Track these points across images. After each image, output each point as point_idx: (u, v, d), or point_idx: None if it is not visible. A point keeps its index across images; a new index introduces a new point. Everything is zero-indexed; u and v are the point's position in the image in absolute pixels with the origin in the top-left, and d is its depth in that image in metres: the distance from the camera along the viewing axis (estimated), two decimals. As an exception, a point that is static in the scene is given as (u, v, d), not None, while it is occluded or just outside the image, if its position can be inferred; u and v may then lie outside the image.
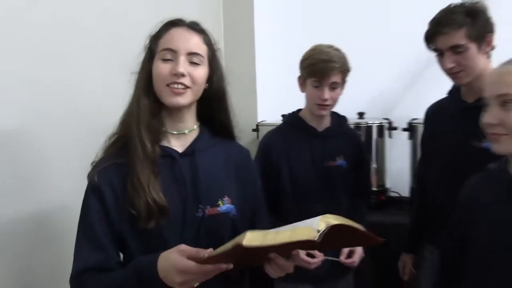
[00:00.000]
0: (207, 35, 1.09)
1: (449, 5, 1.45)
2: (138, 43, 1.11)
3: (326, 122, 1.68)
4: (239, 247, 0.77)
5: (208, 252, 0.87)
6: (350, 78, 2.35)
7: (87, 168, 1.08)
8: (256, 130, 2.37)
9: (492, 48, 1.44)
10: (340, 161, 1.65)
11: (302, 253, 1.52)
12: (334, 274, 1.64)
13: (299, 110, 1.73)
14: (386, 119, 2.37)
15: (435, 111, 1.66)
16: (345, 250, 1.60)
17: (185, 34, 1.04)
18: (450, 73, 1.45)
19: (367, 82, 2.48)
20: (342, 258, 1.59)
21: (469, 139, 1.43)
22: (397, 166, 2.38)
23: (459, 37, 1.38)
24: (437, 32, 1.42)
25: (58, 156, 1.47)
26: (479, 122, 1.29)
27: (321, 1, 2.58)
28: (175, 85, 1.01)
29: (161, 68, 1.01)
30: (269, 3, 2.60)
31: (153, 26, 1.11)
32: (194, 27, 1.07)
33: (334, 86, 1.57)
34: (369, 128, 2.27)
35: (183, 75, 1.00)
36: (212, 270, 0.86)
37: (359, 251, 1.62)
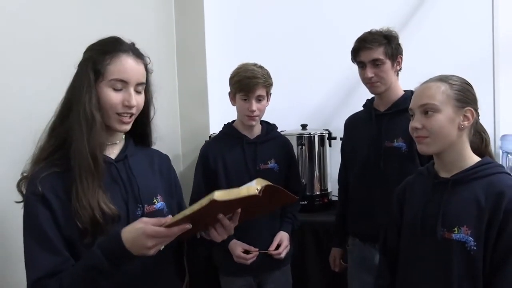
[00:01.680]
0: (146, 59, 1.14)
1: (371, 30, 1.76)
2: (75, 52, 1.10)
3: (257, 130, 1.86)
4: (213, 202, 0.92)
5: (169, 218, 0.97)
6: (294, 94, 2.61)
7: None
8: (209, 141, 2.50)
9: (400, 68, 1.77)
10: (271, 164, 1.83)
11: (239, 251, 1.75)
12: (271, 266, 1.82)
13: (233, 121, 1.90)
14: (326, 129, 2.56)
15: (352, 122, 1.94)
16: (274, 244, 1.79)
17: (135, 64, 1.08)
18: (369, 82, 1.74)
19: (308, 98, 2.73)
20: (271, 249, 1.78)
21: (382, 140, 1.72)
22: (337, 172, 2.60)
23: (379, 53, 1.69)
24: (362, 47, 1.72)
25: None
26: (389, 126, 1.56)
27: (266, 23, 2.76)
28: (125, 115, 1.08)
29: (113, 98, 1.05)
30: (218, 23, 2.75)
31: (90, 38, 1.12)
32: (139, 55, 1.11)
33: (260, 99, 1.76)
34: (311, 138, 2.46)
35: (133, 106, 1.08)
36: (178, 231, 0.95)
37: (284, 244, 1.81)
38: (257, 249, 1.76)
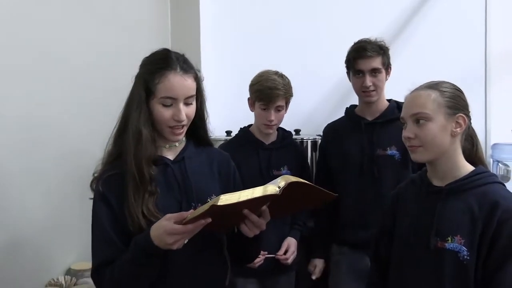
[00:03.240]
0: (195, 70, 1.19)
1: (363, 39, 1.78)
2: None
3: (273, 136, 1.88)
4: (214, 207, 0.93)
5: (190, 213, 1.02)
6: (287, 100, 2.58)
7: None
8: (203, 145, 2.50)
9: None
10: (284, 170, 1.84)
11: None
12: (276, 270, 1.83)
13: (250, 125, 1.90)
14: (319, 135, 2.52)
15: (334, 129, 1.94)
16: (282, 249, 1.80)
17: (182, 80, 1.13)
18: (365, 91, 1.75)
19: (302, 103, 2.71)
20: (279, 253, 1.79)
21: (374, 149, 1.74)
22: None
23: (378, 62, 1.73)
24: (362, 56, 1.73)
25: (21, 171, 1.52)
26: (381, 135, 1.64)
27: (261, 27, 2.76)
28: (176, 128, 1.15)
29: (163, 114, 1.14)
30: (214, 29, 2.75)
31: (139, 55, 1.18)
32: (187, 69, 1.15)
33: (279, 109, 1.78)
34: (304, 143, 2.45)
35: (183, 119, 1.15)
36: (194, 227, 1.00)
37: (291, 250, 1.81)
38: (265, 253, 1.76)
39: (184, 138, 1.25)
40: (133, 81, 1.18)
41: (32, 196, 1.55)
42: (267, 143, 1.85)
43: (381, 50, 1.74)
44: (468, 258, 1.13)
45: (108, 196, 1.13)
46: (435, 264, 1.18)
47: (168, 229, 1.00)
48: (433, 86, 1.23)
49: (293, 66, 2.69)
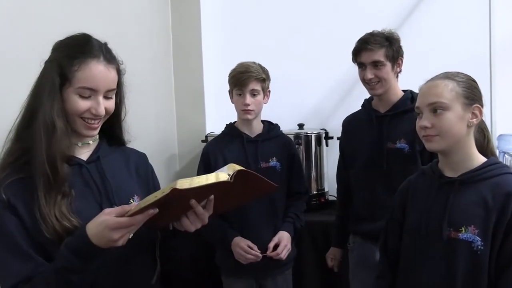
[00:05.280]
0: (117, 61, 1.09)
1: (373, 31, 1.76)
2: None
3: (258, 129, 1.86)
4: (175, 191, 0.87)
5: (134, 205, 0.94)
6: (291, 94, 2.61)
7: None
8: (205, 141, 2.47)
9: (400, 70, 1.77)
10: (273, 162, 1.82)
11: (243, 244, 1.71)
12: (273, 269, 1.79)
13: (235, 121, 1.90)
14: (323, 129, 2.57)
15: (351, 122, 1.93)
16: (271, 245, 1.75)
17: (105, 71, 1.02)
18: (368, 83, 1.74)
19: (306, 97, 2.73)
20: (268, 252, 1.74)
21: (384, 142, 1.72)
22: (334, 172, 2.59)
23: (379, 55, 1.69)
24: (363, 49, 1.72)
25: None
26: (390, 128, 1.60)
27: (264, 22, 2.75)
28: (91, 121, 1.04)
29: (80, 105, 1.01)
30: (215, 23, 2.74)
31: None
32: (110, 59, 1.05)
33: (254, 93, 1.77)
34: (308, 137, 2.46)
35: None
36: (142, 219, 0.92)
37: (283, 243, 1.76)
38: (260, 252, 1.73)
39: (97, 136, 1.14)
40: (43, 66, 1.03)
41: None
42: (252, 136, 1.83)
43: (386, 41, 1.71)
44: (482, 248, 1.13)
45: (15, 204, 0.97)
46: (448, 254, 1.17)
47: (111, 223, 0.90)
48: (450, 76, 1.23)
49: (297, 60, 2.71)
